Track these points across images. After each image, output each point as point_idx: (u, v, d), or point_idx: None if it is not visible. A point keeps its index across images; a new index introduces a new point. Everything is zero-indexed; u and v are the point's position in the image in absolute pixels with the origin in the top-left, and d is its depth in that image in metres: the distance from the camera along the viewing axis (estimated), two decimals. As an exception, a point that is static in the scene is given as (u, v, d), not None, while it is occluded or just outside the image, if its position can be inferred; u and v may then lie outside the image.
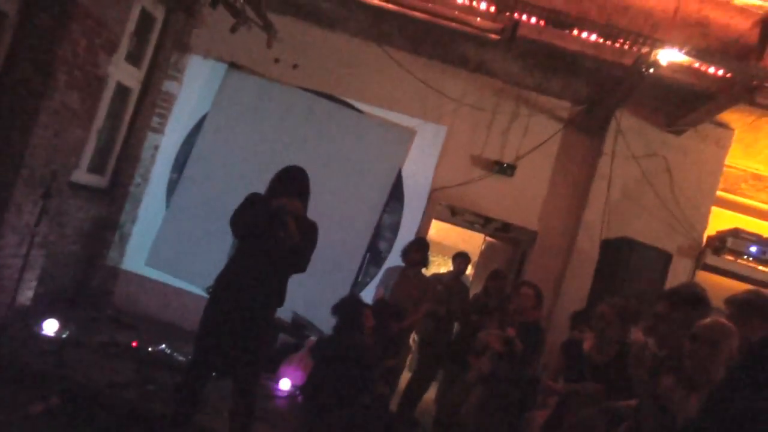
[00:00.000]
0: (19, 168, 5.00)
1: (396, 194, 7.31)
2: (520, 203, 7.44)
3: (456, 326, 6.76)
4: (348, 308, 5.01)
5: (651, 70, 5.73)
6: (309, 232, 4.00)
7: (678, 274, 6.63)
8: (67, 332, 4.97)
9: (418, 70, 7.41)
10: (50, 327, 5.17)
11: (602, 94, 7.04)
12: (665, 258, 6.20)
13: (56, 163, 5.36)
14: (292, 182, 4.02)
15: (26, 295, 5.45)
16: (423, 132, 7.41)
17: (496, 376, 5.14)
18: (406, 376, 6.83)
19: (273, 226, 3.84)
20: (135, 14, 6.52)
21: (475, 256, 9.13)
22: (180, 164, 7.36)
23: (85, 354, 4.99)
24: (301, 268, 4.03)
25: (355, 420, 4.70)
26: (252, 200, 3.98)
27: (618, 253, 6.25)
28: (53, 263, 6.02)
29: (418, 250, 6.39)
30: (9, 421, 3.68)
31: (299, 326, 6.53)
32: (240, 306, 3.87)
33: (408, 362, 7.68)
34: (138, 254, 7.24)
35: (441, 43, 7.14)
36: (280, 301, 4.06)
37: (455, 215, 8.42)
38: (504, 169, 7.36)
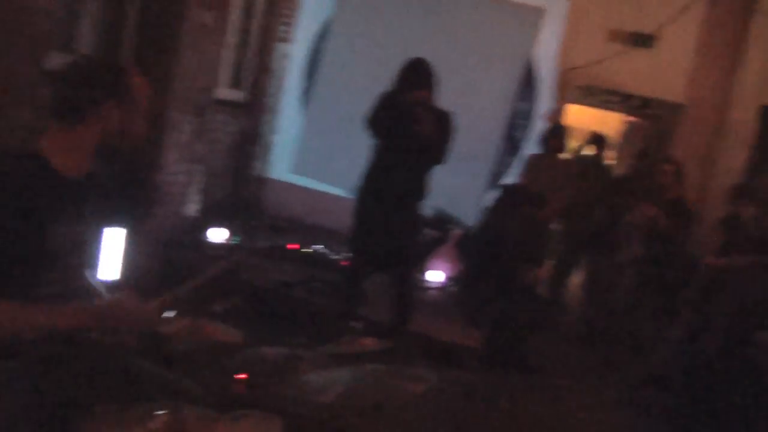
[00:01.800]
0: (171, 89, 5.29)
1: (529, 79, 7.07)
2: (662, 76, 6.97)
3: (598, 210, 6.62)
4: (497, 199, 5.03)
5: None
6: (442, 123, 3.99)
7: None
8: (235, 238, 5.36)
9: (545, -56, 6.94)
10: (217, 235, 5.60)
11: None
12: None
13: (201, 82, 5.62)
14: (418, 75, 3.99)
15: (192, 207, 5.91)
16: (551, 10, 7.02)
17: (647, 257, 5.05)
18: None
19: (405, 122, 3.87)
20: None
21: (614, 138, 8.76)
22: (310, 71, 7.47)
23: (251, 258, 5.39)
24: (440, 159, 4.06)
25: (509, 305, 4.83)
26: (383, 99, 4.02)
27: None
28: (211, 177, 6.44)
29: (555, 136, 6.22)
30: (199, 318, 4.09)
31: (442, 220, 6.65)
32: (386, 202, 4.00)
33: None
34: (282, 163, 7.56)
35: None
36: (423, 196, 4.15)
37: (590, 96, 8.06)
38: (643, 40, 6.88)
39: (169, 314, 1.76)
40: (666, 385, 4.47)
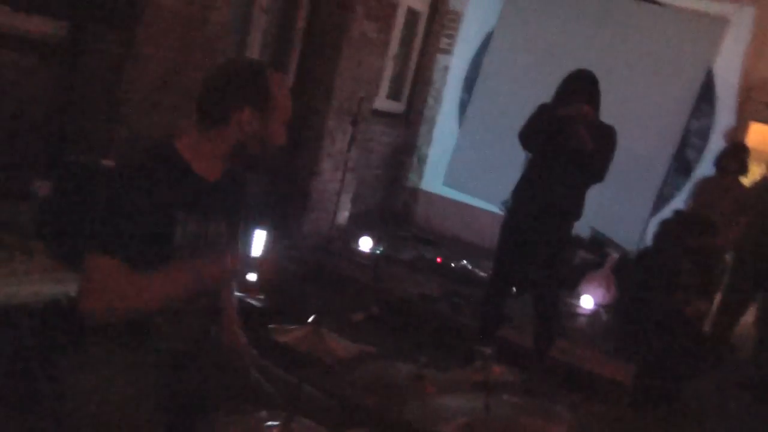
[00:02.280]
0: (330, 98, 5.45)
1: (706, 95, 6.49)
2: None
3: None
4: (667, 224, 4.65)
5: None
6: (604, 137, 3.71)
7: None
8: (380, 248, 5.40)
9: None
10: (366, 244, 5.67)
11: None
12: None
13: (360, 92, 5.72)
14: (579, 87, 3.74)
15: (343, 215, 6.04)
16: (737, 19, 6.40)
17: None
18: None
19: (563, 136, 3.65)
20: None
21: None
22: (470, 83, 7.38)
23: (396, 269, 5.39)
24: (598, 177, 3.78)
25: (668, 340, 4.43)
26: (541, 111, 3.82)
27: None
28: (362, 186, 6.56)
29: (735, 156, 5.63)
30: (336, 327, 4.13)
31: (598, 243, 6.28)
32: (536, 220, 3.80)
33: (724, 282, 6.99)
34: (435, 175, 7.53)
35: None
36: (578, 215, 3.90)
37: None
38: None
39: (290, 326, 1.72)
40: None
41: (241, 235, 2.08)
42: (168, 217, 1.68)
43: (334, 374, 2.12)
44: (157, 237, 1.67)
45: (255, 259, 3.56)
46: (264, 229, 3.52)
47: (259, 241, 3.50)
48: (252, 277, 3.44)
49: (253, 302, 3.24)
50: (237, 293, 2.21)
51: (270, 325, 1.68)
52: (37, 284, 2.36)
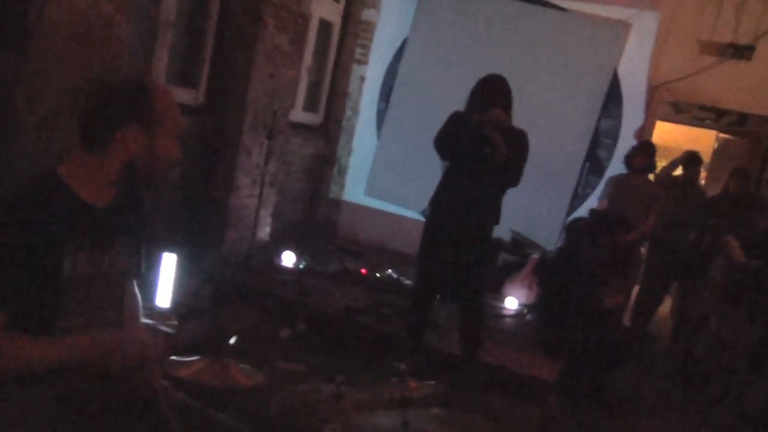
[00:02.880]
0: (244, 112, 5.33)
1: (613, 96, 6.73)
2: (763, 89, 6.47)
3: (691, 234, 6.18)
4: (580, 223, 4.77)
5: None
6: (517, 142, 3.78)
7: None
8: (303, 263, 5.31)
9: (627, -46, 6.63)
10: (289, 259, 5.57)
11: None
12: None
13: (276, 105, 5.63)
14: (491, 92, 3.79)
15: (264, 231, 5.91)
16: (639, 23, 6.68)
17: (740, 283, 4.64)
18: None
19: (477, 142, 3.69)
20: (328, -54, 6.55)
21: (706, 157, 8.24)
22: (386, 93, 7.41)
23: (321, 282, 5.32)
24: (514, 181, 3.84)
25: (589, 334, 4.53)
26: (454, 119, 3.85)
27: None
28: (282, 200, 6.45)
29: (644, 154, 5.84)
30: (262, 346, 4.03)
31: (519, 244, 6.39)
32: (455, 226, 3.82)
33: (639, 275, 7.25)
34: (357, 185, 7.51)
35: None
36: (496, 219, 3.95)
37: (680, 112, 7.60)
38: (740, 51, 6.42)
39: (187, 357, 1.62)
40: (762, 428, 4.06)
41: (145, 261, 1.97)
42: (53, 252, 1.55)
43: (251, 399, 2.04)
44: (43, 274, 1.54)
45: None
46: (173, 252, 3.38)
47: (168, 266, 3.35)
48: (164, 303, 3.30)
49: (166, 329, 3.10)
50: (148, 320, 2.09)
51: (170, 358, 1.58)
52: None
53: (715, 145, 8.56)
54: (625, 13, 6.68)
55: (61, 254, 1.56)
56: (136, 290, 1.90)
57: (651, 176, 6.05)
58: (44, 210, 1.55)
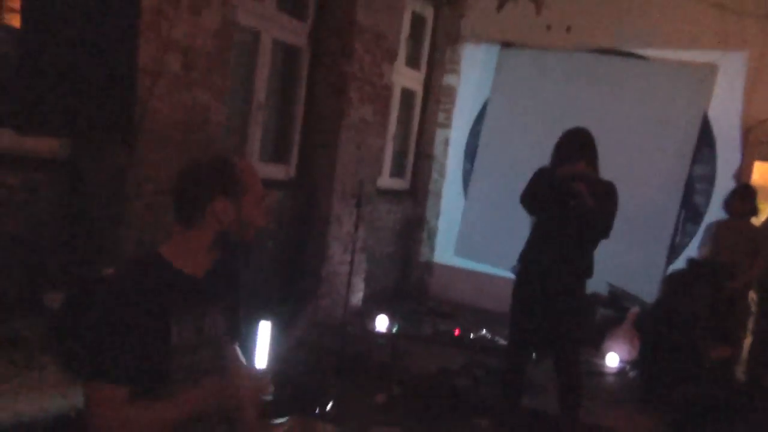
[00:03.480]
0: (332, 183, 5.55)
1: (705, 140, 6.53)
2: None
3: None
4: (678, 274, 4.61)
5: None
6: (605, 193, 3.74)
7: None
8: (397, 326, 5.36)
9: (709, -5, 6.53)
10: (382, 323, 5.64)
11: None
12: None
13: (363, 173, 5.83)
14: (575, 146, 3.80)
15: (357, 296, 6.04)
16: (728, 64, 6.51)
17: None
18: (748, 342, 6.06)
19: (562, 196, 3.68)
20: (407, 19, 6.84)
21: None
22: (471, 154, 7.50)
23: (414, 345, 5.34)
24: (604, 233, 3.79)
25: (695, 389, 4.31)
26: (539, 175, 3.87)
27: None
28: (374, 265, 6.58)
29: (744, 198, 5.61)
30: (359, 410, 4.08)
31: (618, 298, 6.20)
32: (546, 282, 3.79)
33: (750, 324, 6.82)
34: (446, 246, 7.56)
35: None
36: (589, 272, 3.88)
37: (784, 151, 7.23)
38: (839, 86, 6.13)
39: (280, 419, 1.71)
40: None
41: (243, 328, 2.10)
42: (162, 323, 1.70)
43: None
44: (155, 345, 1.69)
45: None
46: (269, 320, 3.53)
47: (264, 333, 3.50)
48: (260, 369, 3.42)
49: (264, 397, 3.21)
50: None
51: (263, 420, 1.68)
52: (45, 399, 2.38)
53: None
54: (710, 56, 6.54)
55: (168, 325, 1.71)
56: (239, 351, 2.02)
57: (754, 220, 5.78)
58: (150, 285, 1.70)
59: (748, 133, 6.47)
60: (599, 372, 5.30)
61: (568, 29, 7.04)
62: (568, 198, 3.68)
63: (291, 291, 5.35)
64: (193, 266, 1.81)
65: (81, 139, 3.61)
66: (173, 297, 1.74)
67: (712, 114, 6.54)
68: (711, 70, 6.53)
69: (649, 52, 6.77)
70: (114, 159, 3.66)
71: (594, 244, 3.89)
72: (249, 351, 3.46)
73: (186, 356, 1.76)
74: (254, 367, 1.82)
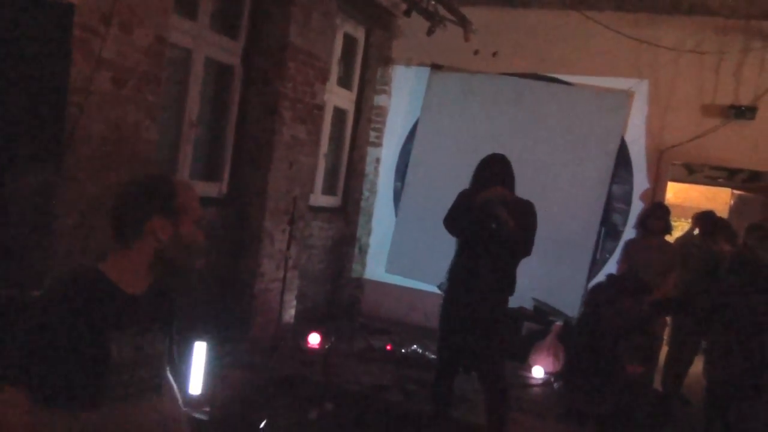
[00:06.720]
0: (265, 201, 5.57)
1: (622, 162, 6.90)
2: (768, 146, 6.60)
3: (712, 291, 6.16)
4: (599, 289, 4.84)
5: None
6: (523, 213, 3.94)
7: None
8: (330, 342, 5.41)
9: (625, 27, 6.93)
10: (314, 339, 5.67)
11: None
12: None
13: (295, 191, 5.88)
14: (492, 171, 3.99)
15: (289, 313, 6.05)
16: (642, 91, 6.93)
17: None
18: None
19: (483, 219, 3.85)
20: (339, 40, 6.96)
21: (723, 214, 8.29)
22: (401, 172, 7.67)
23: (347, 361, 5.40)
24: (525, 251, 3.98)
25: (616, 400, 4.53)
26: (460, 198, 4.04)
27: None
28: (306, 282, 6.61)
29: (657, 216, 5.93)
30: (292, 427, 4.10)
31: (542, 312, 6.44)
32: (470, 299, 3.94)
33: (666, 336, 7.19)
34: (378, 263, 7.68)
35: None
36: (511, 289, 4.05)
37: (693, 173, 7.72)
38: (742, 112, 6.59)
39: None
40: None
41: (178, 348, 2.12)
42: (100, 339, 1.72)
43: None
44: (90, 360, 1.70)
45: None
46: (204, 341, 3.52)
47: (199, 354, 3.49)
48: (196, 390, 3.41)
49: (199, 416, 3.21)
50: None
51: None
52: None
53: (731, 202, 8.63)
54: (628, 84, 6.94)
55: (106, 341, 1.73)
56: (170, 376, 2.04)
57: (668, 237, 6.12)
58: (85, 299, 1.72)
59: (660, 156, 6.87)
60: (525, 384, 5.49)
61: (494, 54, 7.31)
62: (490, 221, 3.84)
63: (225, 310, 5.32)
64: (133, 284, 1.83)
65: (4, 156, 3.51)
66: (111, 313, 1.75)
67: (628, 138, 6.93)
68: (626, 96, 6.92)
69: (570, 78, 7.12)
70: (40, 178, 3.59)
71: (516, 262, 4.07)
72: (184, 372, 3.45)
73: (124, 373, 1.77)
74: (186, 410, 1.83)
